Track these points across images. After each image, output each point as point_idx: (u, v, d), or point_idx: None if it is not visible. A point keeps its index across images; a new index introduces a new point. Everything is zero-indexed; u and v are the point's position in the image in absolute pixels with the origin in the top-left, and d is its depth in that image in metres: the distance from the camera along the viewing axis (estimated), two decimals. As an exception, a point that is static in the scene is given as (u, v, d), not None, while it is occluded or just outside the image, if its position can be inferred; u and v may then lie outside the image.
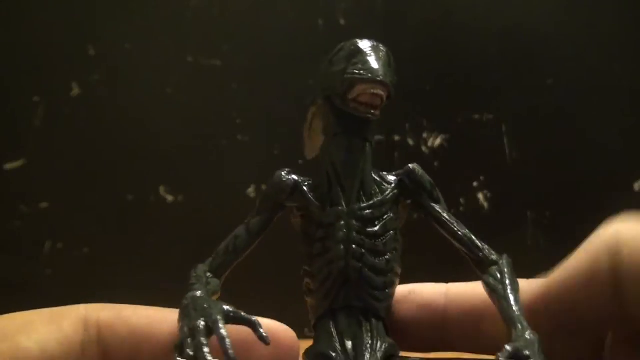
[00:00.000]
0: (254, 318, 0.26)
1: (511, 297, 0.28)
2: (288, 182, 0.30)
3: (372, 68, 0.28)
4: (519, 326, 0.27)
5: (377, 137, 0.62)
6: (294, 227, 0.31)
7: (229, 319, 0.26)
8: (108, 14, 0.64)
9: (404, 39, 0.63)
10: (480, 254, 0.30)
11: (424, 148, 0.64)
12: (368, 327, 0.29)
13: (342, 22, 0.64)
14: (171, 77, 0.64)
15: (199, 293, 0.27)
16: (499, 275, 0.29)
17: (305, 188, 0.30)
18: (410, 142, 0.64)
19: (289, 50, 0.64)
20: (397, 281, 0.31)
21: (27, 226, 0.64)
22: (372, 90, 0.28)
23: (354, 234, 0.29)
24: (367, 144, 0.30)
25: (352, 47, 0.29)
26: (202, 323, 0.26)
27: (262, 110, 0.65)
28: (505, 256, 0.30)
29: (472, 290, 0.31)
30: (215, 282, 0.29)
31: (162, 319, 0.29)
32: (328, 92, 0.30)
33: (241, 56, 0.65)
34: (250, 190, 0.63)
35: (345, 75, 0.28)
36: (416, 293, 0.32)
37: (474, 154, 0.65)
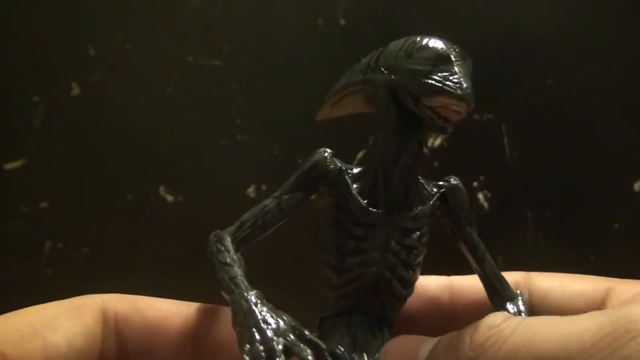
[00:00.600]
0: (319, 342, 0.24)
1: None
2: (333, 166, 0.28)
3: (463, 84, 0.27)
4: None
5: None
6: (317, 208, 0.30)
7: (297, 338, 0.24)
8: (108, 14, 0.64)
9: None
10: (501, 290, 0.30)
11: (424, 148, 0.64)
12: (380, 336, 0.29)
13: (342, 22, 0.64)
14: (171, 77, 0.64)
15: (254, 297, 0.25)
16: (515, 310, 0.29)
17: (348, 178, 0.28)
18: (410, 142, 0.64)
19: (289, 50, 0.64)
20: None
21: (27, 226, 0.64)
22: (456, 108, 0.27)
23: (393, 243, 0.28)
24: (421, 147, 0.29)
25: (441, 50, 0.27)
26: (280, 346, 0.23)
27: (262, 110, 0.65)
28: (521, 294, 0.30)
29: (476, 284, 0.31)
30: (243, 263, 0.27)
31: (175, 313, 0.29)
32: (397, 86, 0.28)
33: (241, 56, 0.65)
34: (250, 190, 0.63)
35: (430, 81, 0.27)
36: (422, 286, 0.32)
37: (474, 154, 0.65)
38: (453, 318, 0.32)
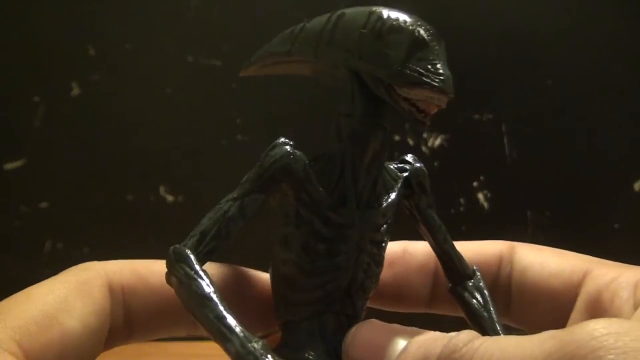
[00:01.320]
0: None
1: (489, 314, 0.28)
2: (297, 164, 0.26)
3: (445, 77, 0.24)
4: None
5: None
6: (272, 204, 0.27)
7: None
8: (108, 14, 0.64)
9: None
10: (460, 267, 0.29)
11: (424, 148, 0.64)
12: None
13: (342, 22, 0.64)
14: (171, 77, 0.64)
15: (263, 355, 0.22)
16: (475, 292, 0.29)
17: (313, 174, 0.26)
18: (410, 142, 0.64)
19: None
20: None
21: (27, 226, 0.64)
22: (437, 102, 0.24)
23: (367, 242, 0.26)
24: (387, 132, 0.26)
25: (417, 34, 0.24)
26: None
27: (262, 110, 0.65)
28: (477, 271, 0.30)
29: (463, 250, 0.31)
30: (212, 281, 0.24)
31: None
32: (366, 72, 0.25)
33: (241, 56, 0.64)
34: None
35: (407, 71, 0.24)
36: (410, 253, 0.32)
37: (474, 154, 0.65)
38: (438, 287, 0.32)
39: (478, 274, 0.30)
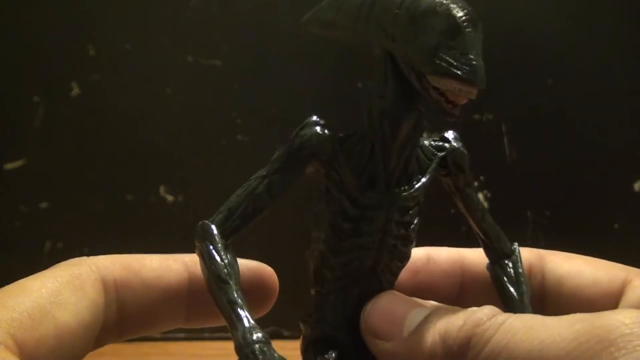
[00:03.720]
0: None
1: (521, 298, 0.28)
2: (327, 143, 0.25)
3: (476, 67, 0.23)
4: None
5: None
6: (307, 175, 0.27)
7: None
8: (108, 14, 0.64)
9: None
10: (500, 245, 0.29)
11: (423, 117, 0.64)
12: None
13: (342, 22, 0.64)
14: (171, 77, 0.64)
15: (258, 346, 0.23)
16: (510, 271, 0.29)
17: (343, 154, 0.25)
18: (410, 142, 0.64)
19: (289, 50, 0.64)
20: None
21: (27, 226, 0.64)
22: (467, 95, 0.24)
23: (393, 224, 0.26)
24: (421, 115, 0.26)
25: (452, 20, 0.23)
26: None
27: (262, 110, 0.65)
28: (516, 249, 0.30)
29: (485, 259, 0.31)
30: (237, 267, 0.25)
31: (168, 269, 0.29)
32: (398, 55, 0.24)
33: (241, 56, 0.65)
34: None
35: (438, 61, 0.23)
36: (434, 261, 0.32)
37: (474, 154, 0.65)
38: (463, 295, 0.31)
39: (517, 250, 0.30)
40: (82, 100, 0.64)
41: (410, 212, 0.27)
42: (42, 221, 0.64)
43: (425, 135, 0.28)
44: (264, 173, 0.26)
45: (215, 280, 0.24)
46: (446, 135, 0.28)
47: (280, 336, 0.62)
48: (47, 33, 0.64)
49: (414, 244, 0.28)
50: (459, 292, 0.31)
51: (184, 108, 0.65)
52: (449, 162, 0.28)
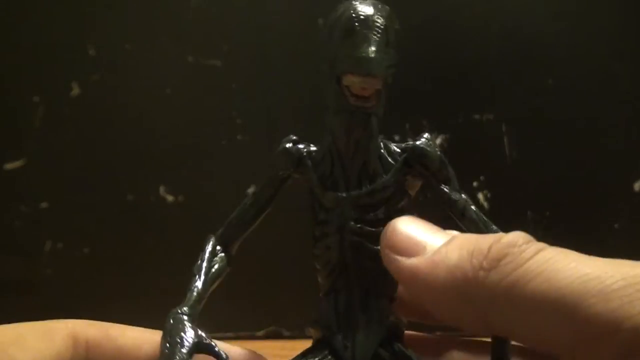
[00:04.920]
0: (223, 353, 0.26)
1: None
2: (292, 154, 0.29)
3: (362, 58, 0.25)
4: None
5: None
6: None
7: (201, 348, 0.26)
8: (108, 14, 0.64)
9: (404, 39, 0.63)
10: None
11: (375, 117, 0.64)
12: (367, 309, 0.28)
13: (342, 22, 0.64)
14: (171, 77, 0.64)
15: (177, 314, 0.27)
16: None
17: (309, 162, 0.29)
18: (411, 142, 0.64)
19: (289, 50, 0.64)
20: None
21: (27, 226, 0.64)
22: (364, 85, 0.26)
23: (351, 223, 0.28)
24: (373, 118, 0.28)
25: (347, 22, 0.26)
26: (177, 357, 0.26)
27: (262, 110, 0.65)
28: None
29: None
30: (221, 264, 0.29)
31: (147, 340, 0.29)
32: (327, 65, 0.27)
33: (241, 56, 0.65)
34: (251, 190, 0.63)
35: (339, 62, 0.26)
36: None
37: (474, 154, 0.65)
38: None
39: None
40: (82, 100, 0.64)
41: (376, 210, 0.28)
42: (42, 221, 0.64)
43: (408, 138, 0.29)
44: (255, 190, 0.30)
45: (192, 273, 0.28)
46: (419, 137, 0.29)
47: (280, 336, 0.63)
48: (47, 33, 0.64)
49: None
50: None
51: (184, 108, 0.65)
52: (412, 161, 0.28)
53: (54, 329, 0.28)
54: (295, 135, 0.30)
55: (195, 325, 0.27)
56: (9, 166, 0.64)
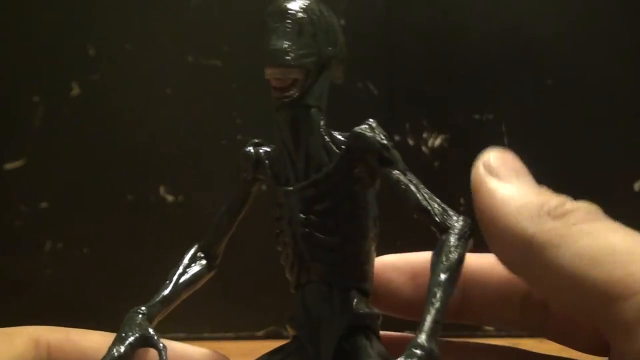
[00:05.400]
0: (162, 345, 0.28)
1: (433, 281, 0.25)
2: (250, 157, 0.30)
3: (270, 50, 0.27)
4: (420, 333, 0.24)
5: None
6: None
7: (144, 342, 0.28)
8: (108, 14, 0.64)
9: (404, 39, 0.63)
10: (431, 222, 0.27)
11: (424, 148, 0.64)
12: (331, 301, 0.28)
13: (342, 22, 0.64)
14: (171, 77, 0.64)
15: (138, 316, 0.28)
16: (438, 249, 0.26)
17: (267, 162, 0.30)
18: (410, 142, 0.64)
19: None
20: (369, 247, 0.28)
21: (27, 226, 0.64)
22: (274, 76, 0.27)
23: (300, 214, 0.28)
24: (313, 110, 0.28)
25: (264, 18, 0.28)
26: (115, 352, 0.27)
27: (262, 110, 0.64)
28: (460, 221, 0.27)
29: (490, 267, 0.30)
30: (198, 269, 0.31)
31: (109, 343, 0.29)
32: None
33: (241, 56, 0.64)
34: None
35: (260, 56, 0.27)
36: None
37: (474, 154, 0.65)
38: (465, 296, 0.31)
39: (457, 225, 0.27)
40: (82, 100, 0.64)
41: (325, 198, 0.28)
42: (42, 221, 0.64)
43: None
44: (229, 196, 0.31)
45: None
46: (364, 122, 0.28)
47: (280, 336, 0.62)
48: (47, 33, 0.64)
49: (351, 234, 0.28)
50: (461, 296, 0.31)
51: (184, 108, 0.65)
52: (352, 147, 0.28)
53: (15, 333, 0.28)
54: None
55: (150, 323, 0.28)
56: (9, 166, 0.64)
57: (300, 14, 0.27)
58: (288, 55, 0.26)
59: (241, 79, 0.65)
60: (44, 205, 0.64)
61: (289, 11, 0.27)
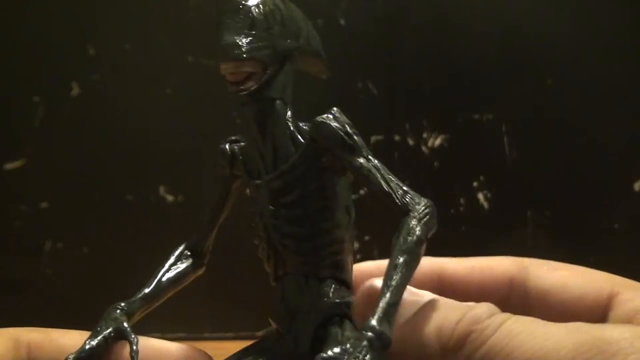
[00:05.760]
0: (134, 337, 0.29)
1: (391, 263, 0.25)
2: (226, 153, 0.31)
3: (221, 45, 0.27)
4: (372, 316, 0.24)
5: (376, 137, 0.62)
6: None
7: (118, 335, 0.29)
8: (108, 14, 0.64)
9: (404, 39, 0.63)
10: (393, 205, 0.26)
11: (424, 148, 0.64)
12: (308, 291, 0.28)
13: (342, 22, 0.64)
14: (171, 77, 0.64)
15: (116, 311, 0.29)
16: (396, 236, 0.26)
17: (241, 157, 0.30)
18: (410, 142, 0.64)
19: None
20: (342, 236, 0.28)
21: (27, 226, 0.64)
22: (228, 71, 0.27)
23: (269, 206, 0.28)
24: (277, 103, 0.28)
25: (218, 15, 0.28)
26: (87, 346, 0.28)
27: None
28: (422, 204, 0.26)
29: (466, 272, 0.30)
30: (184, 268, 0.32)
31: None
32: None
33: (241, 56, 0.64)
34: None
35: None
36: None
37: (474, 154, 0.65)
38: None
39: (418, 207, 0.26)
40: (82, 100, 0.64)
41: (293, 191, 0.28)
42: (42, 221, 0.64)
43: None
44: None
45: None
46: (328, 112, 0.28)
47: (280, 336, 0.63)
48: (47, 33, 0.64)
49: (320, 224, 0.28)
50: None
51: (184, 108, 0.65)
52: (315, 136, 0.28)
53: None
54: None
55: (128, 319, 0.29)
56: (9, 166, 0.64)
57: (252, 9, 0.27)
58: (239, 49, 0.26)
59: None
60: (44, 205, 0.64)
61: (241, 6, 0.27)
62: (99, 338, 0.28)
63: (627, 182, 0.65)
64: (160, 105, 0.64)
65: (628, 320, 0.28)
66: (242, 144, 0.31)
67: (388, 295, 0.24)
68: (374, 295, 0.25)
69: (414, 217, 0.26)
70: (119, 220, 0.65)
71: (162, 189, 0.65)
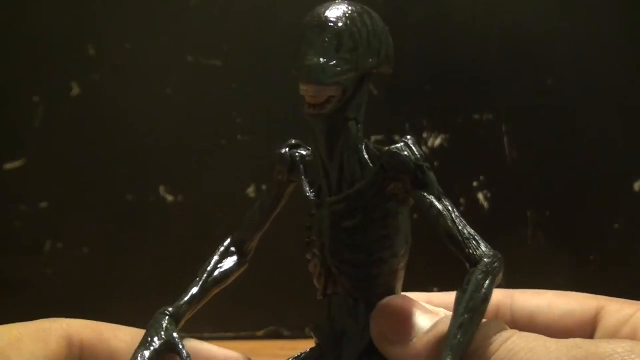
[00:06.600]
0: (185, 353, 0.28)
1: (455, 322, 0.24)
2: (286, 160, 0.29)
3: (305, 66, 0.25)
4: None
5: (376, 137, 0.62)
6: None
7: (168, 348, 0.28)
8: (108, 14, 0.64)
9: (404, 39, 0.63)
10: (460, 253, 0.26)
11: (424, 148, 0.64)
12: (357, 316, 0.28)
13: (342, 22, 0.64)
14: (171, 77, 0.64)
15: (165, 318, 0.28)
16: (465, 285, 0.25)
17: (302, 167, 0.29)
18: (410, 142, 0.64)
19: (289, 50, 0.64)
20: (398, 265, 0.28)
21: (27, 226, 0.64)
22: (307, 93, 0.26)
23: (329, 228, 0.27)
24: (350, 123, 0.27)
25: (302, 29, 0.26)
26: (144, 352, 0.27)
27: (262, 110, 0.65)
28: (492, 257, 0.26)
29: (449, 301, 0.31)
30: (229, 265, 0.30)
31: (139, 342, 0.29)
32: None
33: (241, 56, 0.65)
34: (250, 190, 0.63)
35: (293, 69, 0.26)
36: None
37: (474, 154, 0.65)
38: None
39: (486, 259, 0.26)
40: (82, 100, 0.64)
41: (354, 214, 0.27)
42: (42, 221, 0.64)
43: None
44: (264, 195, 0.31)
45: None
46: (403, 139, 0.28)
47: (280, 336, 0.63)
48: (47, 33, 0.64)
49: (379, 252, 0.28)
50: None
51: (184, 108, 0.65)
52: (386, 166, 0.27)
53: (49, 330, 0.28)
54: (295, 138, 0.30)
55: (177, 325, 0.28)
56: (9, 166, 0.64)
57: (340, 27, 0.25)
58: (323, 74, 0.25)
59: (241, 79, 0.65)
60: (44, 205, 0.64)
61: (329, 23, 0.25)
62: (150, 351, 0.27)
63: (627, 182, 0.65)
64: (160, 105, 0.64)
65: (615, 331, 0.29)
66: (302, 152, 0.29)
67: (451, 355, 0.24)
68: (401, 318, 0.26)
69: (483, 272, 0.25)
70: (119, 220, 0.65)
71: (162, 189, 0.65)
